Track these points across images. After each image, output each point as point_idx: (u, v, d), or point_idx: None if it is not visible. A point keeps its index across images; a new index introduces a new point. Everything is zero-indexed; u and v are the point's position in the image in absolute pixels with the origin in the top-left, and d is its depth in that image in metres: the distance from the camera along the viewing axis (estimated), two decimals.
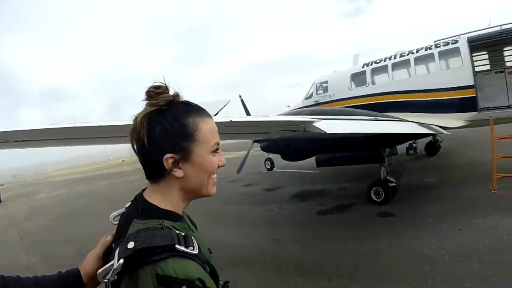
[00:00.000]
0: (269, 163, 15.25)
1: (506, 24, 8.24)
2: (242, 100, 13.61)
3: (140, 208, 1.04)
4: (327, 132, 4.96)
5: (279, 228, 7.16)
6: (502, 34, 8.35)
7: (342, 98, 10.83)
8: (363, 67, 10.63)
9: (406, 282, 4.37)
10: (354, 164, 8.59)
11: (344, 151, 7.90)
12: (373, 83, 10.23)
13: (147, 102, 1.03)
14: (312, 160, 8.60)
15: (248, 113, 12.92)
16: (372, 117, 7.58)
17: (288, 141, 8.41)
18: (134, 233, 0.94)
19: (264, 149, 10.70)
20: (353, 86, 10.73)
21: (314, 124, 5.10)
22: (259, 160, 15.50)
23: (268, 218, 8.09)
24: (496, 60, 9.58)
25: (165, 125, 1.01)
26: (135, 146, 1.04)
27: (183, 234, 0.96)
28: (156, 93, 1.03)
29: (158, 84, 1.05)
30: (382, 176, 7.88)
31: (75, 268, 1.11)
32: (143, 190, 1.12)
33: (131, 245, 0.90)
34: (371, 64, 10.42)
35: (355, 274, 4.79)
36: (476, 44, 8.63)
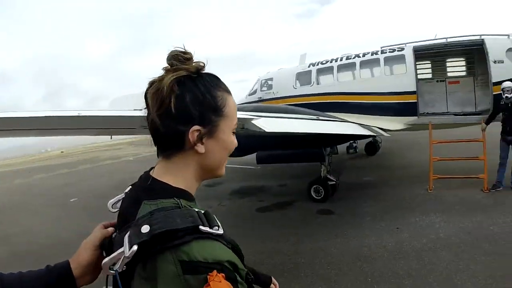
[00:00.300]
0: None
1: (451, 38, 8.67)
2: None
3: (149, 187, 0.92)
4: (266, 130, 4.81)
5: None
6: (446, 46, 8.78)
7: (286, 96, 10.74)
8: (309, 66, 10.61)
9: (346, 280, 4.30)
10: (295, 162, 8.53)
11: (285, 149, 7.79)
12: (318, 83, 10.24)
13: (174, 66, 0.90)
14: (254, 156, 8.39)
15: None
16: (314, 117, 7.57)
17: None
18: (147, 215, 0.81)
19: None
20: (298, 84, 10.69)
21: (253, 121, 4.91)
22: None
23: None
24: (438, 70, 10.04)
25: (196, 94, 0.91)
26: (155, 112, 0.88)
27: (203, 212, 0.85)
28: (184, 58, 0.91)
29: (183, 49, 0.92)
30: (322, 175, 7.87)
31: (64, 260, 0.98)
32: (150, 169, 1.00)
33: (145, 229, 0.77)
34: (317, 64, 10.43)
35: (295, 273, 4.63)
36: (421, 53, 8.97)
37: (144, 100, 0.94)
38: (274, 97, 11.10)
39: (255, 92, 11.97)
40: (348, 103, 9.40)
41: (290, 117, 6.76)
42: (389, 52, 9.17)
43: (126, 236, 0.79)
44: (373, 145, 13.15)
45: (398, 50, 9.05)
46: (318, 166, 7.94)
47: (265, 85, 11.73)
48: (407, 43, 9.10)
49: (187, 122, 0.89)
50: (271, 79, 11.66)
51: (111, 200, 1.04)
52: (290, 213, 7.22)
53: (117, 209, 1.01)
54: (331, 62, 10.12)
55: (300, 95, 10.40)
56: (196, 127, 0.89)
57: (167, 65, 0.91)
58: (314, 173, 8.19)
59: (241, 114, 5.34)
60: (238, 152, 8.84)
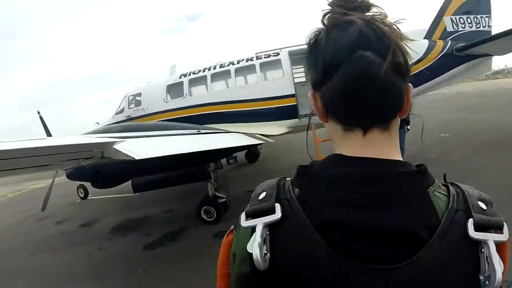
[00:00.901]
0: (82, 190, 12.50)
1: None
2: (41, 117, 10.94)
3: (405, 172, 0.69)
4: (137, 158, 3.74)
5: (103, 277, 5.56)
6: None
7: (157, 112, 9.77)
8: (180, 77, 9.85)
9: None
10: (177, 184, 7.74)
11: (164, 171, 6.92)
12: (191, 95, 9.57)
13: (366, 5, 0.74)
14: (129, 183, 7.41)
15: (48, 134, 10.73)
16: (195, 131, 6.92)
17: (97, 166, 6.86)
18: (453, 199, 0.68)
19: (69, 177, 8.76)
20: (169, 98, 9.82)
21: (116, 146, 3.83)
22: (71, 187, 12.63)
23: (87, 265, 6.25)
24: None
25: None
26: (389, 62, 0.67)
27: None
28: None
29: None
30: (210, 193, 7.25)
31: None
32: (327, 159, 0.77)
33: (483, 205, 0.68)
34: (189, 75, 9.76)
35: None
36: (297, 57, 9.09)
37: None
38: (144, 114, 10.01)
39: (122, 110, 10.65)
40: (226, 113, 8.97)
41: (166, 134, 5.99)
42: (265, 57, 9.09)
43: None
44: (253, 152, 13.05)
45: (273, 55, 9.02)
46: (203, 182, 7.33)
47: (133, 102, 10.52)
48: (282, 48, 9.15)
49: (406, 77, 0.72)
50: (139, 94, 10.49)
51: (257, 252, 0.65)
52: (184, 244, 6.35)
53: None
54: (203, 71, 9.54)
55: (172, 109, 9.56)
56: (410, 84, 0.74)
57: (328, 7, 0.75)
58: (200, 190, 7.55)
59: (95, 139, 4.19)
60: (108, 182, 7.65)
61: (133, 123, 9.25)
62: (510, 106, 17.04)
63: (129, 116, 10.34)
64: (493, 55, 9.58)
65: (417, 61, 8.46)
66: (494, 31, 9.53)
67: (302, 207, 0.68)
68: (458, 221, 0.64)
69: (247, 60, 9.26)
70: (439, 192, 0.68)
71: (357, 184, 0.67)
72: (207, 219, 7.06)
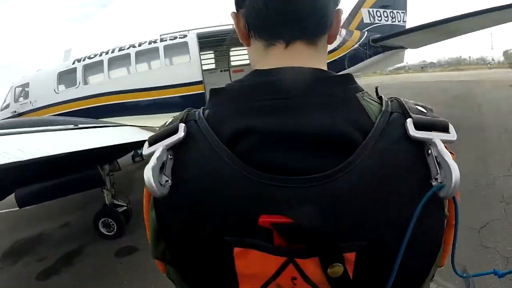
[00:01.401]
0: None
1: None
2: None
3: (331, 77, 0.64)
4: None
5: None
6: (234, 32, 8.48)
7: (47, 105, 8.44)
8: (73, 63, 8.56)
9: None
10: (67, 194, 6.21)
11: (48, 179, 5.42)
12: (86, 83, 8.37)
13: None
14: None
15: None
16: (71, 126, 5.71)
17: None
18: (389, 103, 0.64)
19: None
20: (61, 88, 8.50)
21: None
22: None
23: None
24: (222, 60, 10.30)
25: None
26: None
27: None
28: None
29: None
30: (107, 202, 6.07)
31: None
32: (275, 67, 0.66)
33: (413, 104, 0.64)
34: (84, 60, 8.49)
35: None
36: (206, 40, 8.64)
37: None
38: (32, 108, 8.61)
39: (8, 105, 9.15)
40: (126, 104, 8.03)
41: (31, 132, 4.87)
42: (170, 40, 8.25)
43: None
44: None
45: (180, 37, 8.23)
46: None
47: (21, 94, 9.02)
48: (189, 29, 8.48)
49: (337, 3, 0.69)
50: (27, 84, 8.99)
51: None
52: (83, 268, 5.29)
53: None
54: (100, 55, 8.37)
55: (63, 101, 8.31)
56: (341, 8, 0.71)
57: None
58: (98, 197, 6.55)
59: None
60: None
61: (10, 120, 7.73)
62: (413, 98, 18.63)
63: (15, 111, 8.89)
64: (407, 48, 10.44)
65: (332, 50, 8.50)
66: (409, 26, 10.39)
67: (210, 125, 0.61)
68: (395, 122, 0.58)
69: (150, 43, 8.33)
70: (369, 99, 0.63)
71: (272, 90, 0.60)
72: (107, 233, 5.98)
